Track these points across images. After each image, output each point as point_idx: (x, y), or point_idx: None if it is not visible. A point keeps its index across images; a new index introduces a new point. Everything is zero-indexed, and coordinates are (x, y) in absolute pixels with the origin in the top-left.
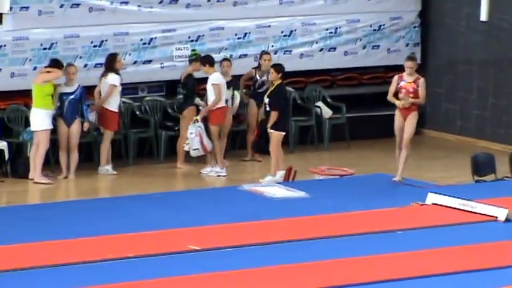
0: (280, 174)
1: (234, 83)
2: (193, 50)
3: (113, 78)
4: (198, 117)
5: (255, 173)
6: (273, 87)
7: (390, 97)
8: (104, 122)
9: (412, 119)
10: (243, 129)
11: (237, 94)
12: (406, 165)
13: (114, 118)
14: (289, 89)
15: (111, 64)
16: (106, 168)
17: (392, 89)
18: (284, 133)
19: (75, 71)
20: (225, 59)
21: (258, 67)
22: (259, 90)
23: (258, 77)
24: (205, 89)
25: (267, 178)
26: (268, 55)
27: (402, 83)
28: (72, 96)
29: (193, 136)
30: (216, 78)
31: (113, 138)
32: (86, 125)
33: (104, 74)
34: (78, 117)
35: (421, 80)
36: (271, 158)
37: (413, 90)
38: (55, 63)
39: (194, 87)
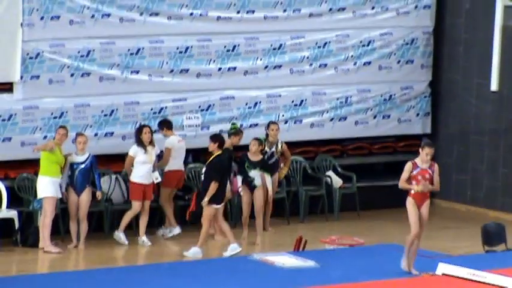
0: (232, 247)
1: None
2: (233, 124)
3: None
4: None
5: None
6: (211, 157)
7: (403, 184)
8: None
9: (427, 207)
10: None
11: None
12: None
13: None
14: (298, 158)
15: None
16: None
17: (405, 176)
18: (217, 206)
19: (86, 140)
20: (255, 139)
21: (266, 138)
22: (269, 162)
23: (268, 149)
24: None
25: (191, 250)
26: (276, 125)
27: (416, 171)
28: (82, 166)
29: None
30: (169, 142)
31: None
32: (99, 194)
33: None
34: (88, 186)
35: (436, 166)
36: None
37: (429, 177)
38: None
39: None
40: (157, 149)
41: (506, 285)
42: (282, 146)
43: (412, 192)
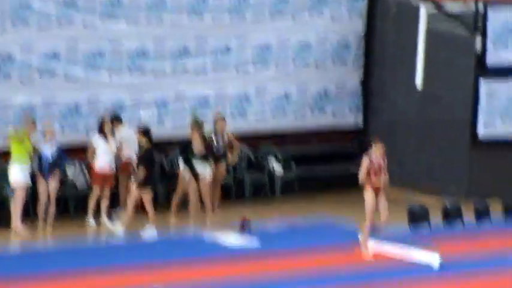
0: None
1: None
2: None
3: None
4: None
5: None
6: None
7: (364, 177)
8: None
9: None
10: None
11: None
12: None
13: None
14: (243, 148)
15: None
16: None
17: (365, 170)
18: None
19: (53, 132)
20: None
21: (214, 131)
22: (218, 153)
23: (215, 140)
24: None
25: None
26: (222, 118)
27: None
28: (50, 157)
29: None
30: (121, 135)
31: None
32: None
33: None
34: (55, 174)
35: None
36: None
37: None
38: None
39: None
40: (118, 140)
41: (428, 258)
42: (228, 137)
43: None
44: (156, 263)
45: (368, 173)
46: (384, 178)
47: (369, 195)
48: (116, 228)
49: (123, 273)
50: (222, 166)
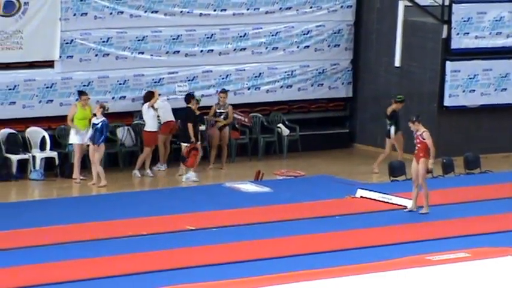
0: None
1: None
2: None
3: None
4: None
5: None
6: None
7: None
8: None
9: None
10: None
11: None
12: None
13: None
14: (258, 114)
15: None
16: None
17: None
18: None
19: (101, 107)
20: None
21: (218, 102)
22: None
23: (218, 110)
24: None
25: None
26: (224, 93)
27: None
28: (98, 126)
29: None
30: (158, 104)
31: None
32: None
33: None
34: (102, 140)
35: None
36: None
37: (419, 141)
38: (79, 94)
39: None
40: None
41: (405, 205)
42: (227, 108)
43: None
44: (188, 209)
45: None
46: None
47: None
48: (191, 178)
49: (164, 216)
50: (226, 131)
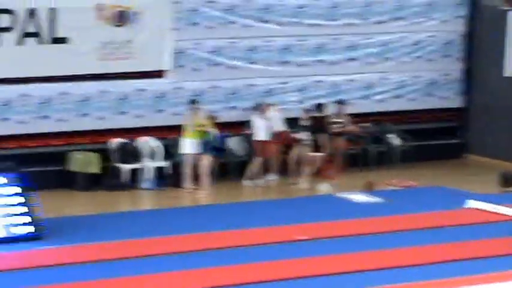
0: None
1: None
2: None
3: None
4: None
5: None
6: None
7: None
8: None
9: None
10: None
11: None
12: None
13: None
14: (369, 124)
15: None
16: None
17: None
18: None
19: (212, 121)
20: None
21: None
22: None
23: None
24: None
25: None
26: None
27: None
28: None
29: None
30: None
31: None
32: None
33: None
34: (209, 152)
35: None
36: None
37: None
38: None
39: None
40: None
41: None
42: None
43: None
44: (299, 218)
45: None
46: None
47: None
48: (324, 189)
49: (272, 227)
50: (340, 141)
